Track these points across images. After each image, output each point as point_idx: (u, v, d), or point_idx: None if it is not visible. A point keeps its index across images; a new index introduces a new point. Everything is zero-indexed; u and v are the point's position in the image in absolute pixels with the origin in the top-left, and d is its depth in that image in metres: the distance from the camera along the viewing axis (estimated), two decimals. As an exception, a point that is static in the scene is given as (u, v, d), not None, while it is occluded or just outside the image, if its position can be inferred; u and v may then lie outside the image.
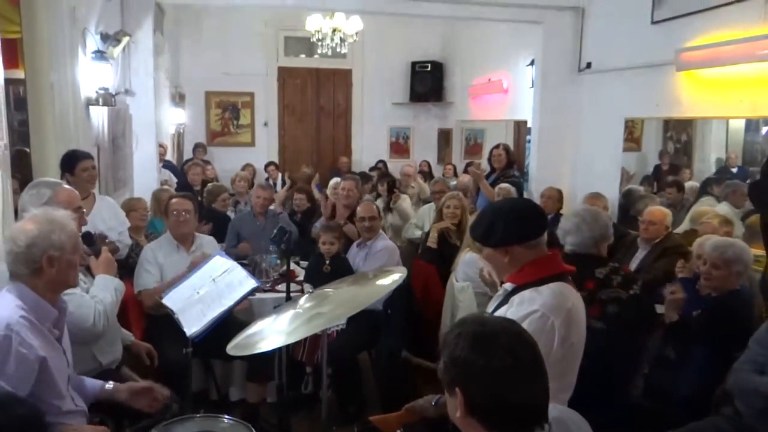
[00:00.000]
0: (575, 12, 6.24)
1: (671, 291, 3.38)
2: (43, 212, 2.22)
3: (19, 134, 4.34)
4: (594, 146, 6.24)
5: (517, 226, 2.18)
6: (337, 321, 2.58)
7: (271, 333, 2.20)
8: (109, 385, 2.49)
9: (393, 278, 2.30)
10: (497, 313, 2.14)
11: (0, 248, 2.64)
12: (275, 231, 2.86)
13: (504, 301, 2.21)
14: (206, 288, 2.85)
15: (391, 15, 7.69)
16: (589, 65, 6.16)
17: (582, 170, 6.41)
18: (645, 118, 5.88)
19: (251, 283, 2.75)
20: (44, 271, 2.13)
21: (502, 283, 2.32)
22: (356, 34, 7.87)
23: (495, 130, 9.02)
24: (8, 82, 4.23)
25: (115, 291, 2.76)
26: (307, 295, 2.28)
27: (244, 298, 2.76)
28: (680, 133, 6.87)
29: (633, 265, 4.62)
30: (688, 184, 6.09)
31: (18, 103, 4.40)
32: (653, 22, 5.25)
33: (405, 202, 6.49)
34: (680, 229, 5.04)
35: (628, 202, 5.90)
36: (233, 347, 2.21)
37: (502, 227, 2.17)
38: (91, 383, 2.49)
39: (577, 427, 1.55)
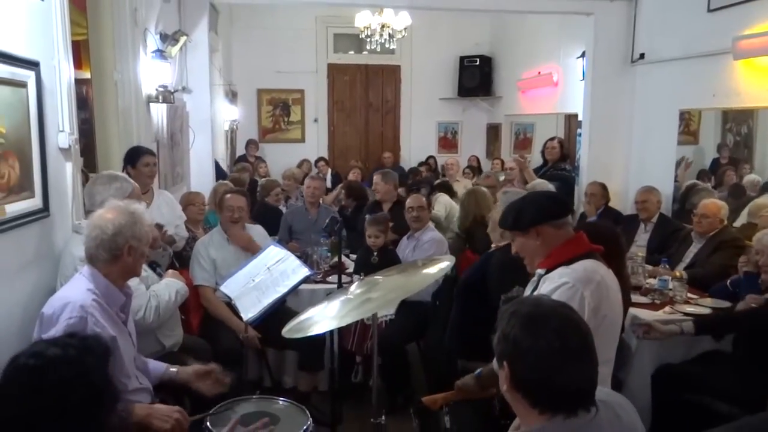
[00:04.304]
0: (628, 2, 6.14)
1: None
2: (125, 204, 2.40)
3: (82, 132, 4.56)
4: (648, 139, 6.13)
5: (545, 205, 2.32)
6: (388, 306, 2.64)
7: (324, 318, 2.28)
8: (174, 368, 2.64)
9: (440, 266, 2.35)
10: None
11: (67, 234, 2.85)
12: (327, 221, 2.95)
13: (538, 285, 2.30)
14: (261, 276, 2.97)
15: (439, 10, 7.70)
16: (642, 56, 6.05)
17: (635, 164, 6.31)
18: (701, 110, 5.73)
19: (304, 271, 2.85)
20: (122, 259, 2.31)
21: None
22: (405, 29, 7.91)
23: (545, 124, 8.94)
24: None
25: (176, 293, 2.93)
26: (357, 282, 2.35)
27: (298, 285, 2.86)
28: (740, 125, 6.63)
29: (687, 259, 4.54)
30: (748, 177, 5.91)
31: (80, 103, 4.62)
32: (710, 10, 5.12)
33: (438, 203, 6.36)
34: (737, 223, 4.92)
35: (686, 196, 5.78)
36: (288, 330, 2.30)
37: (532, 209, 2.30)
38: (155, 365, 2.64)
39: (624, 412, 1.56)
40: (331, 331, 3.47)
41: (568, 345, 1.40)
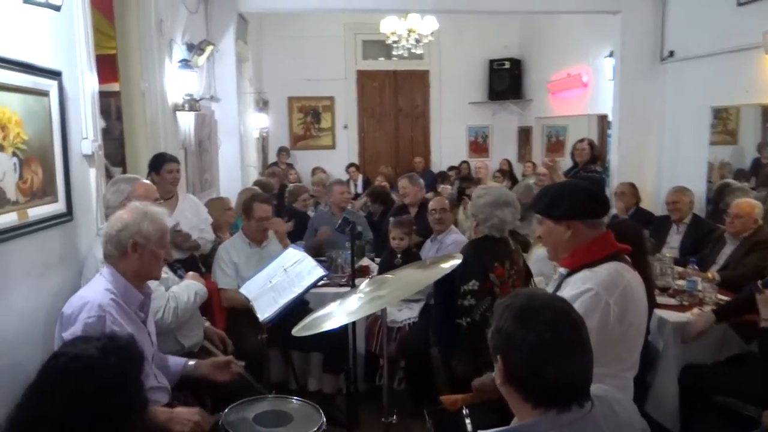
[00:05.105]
0: (656, -1, 6.08)
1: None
2: (142, 206, 2.47)
3: (119, 142, 4.70)
4: (679, 138, 6.04)
5: (584, 201, 2.18)
6: (396, 301, 2.66)
7: (335, 315, 2.32)
8: (192, 361, 2.70)
9: (452, 263, 2.36)
10: None
11: (91, 238, 2.94)
12: (339, 221, 2.99)
13: (561, 285, 2.21)
14: (278, 277, 3.02)
15: (462, 13, 7.69)
16: (671, 53, 5.97)
17: (666, 164, 6.21)
18: (734, 107, 5.61)
19: (319, 272, 2.90)
20: (128, 256, 2.36)
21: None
22: (431, 34, 7.92)
23: (577, 126, 8.85)
24: (110, 94, 4.64)
25: (195, 294, 2.98)
26: (367, 281, 2.38)
27: (313, 286, 2.91)
28: (783, 123, 6.43)
29: (721, 260, 4.43)
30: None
31: (117, 113, 4.75)
32: (739, 4, 5.04)
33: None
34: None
35: (720, 196, 5.65)
36: (300, 329, 2.34)
37: (569, 201, 2.16)
38: (175, 361, 2.71)
39: (622, 407, 1.53)
40: (352, 332, 3.54)
41: (561, 337, 1.38)
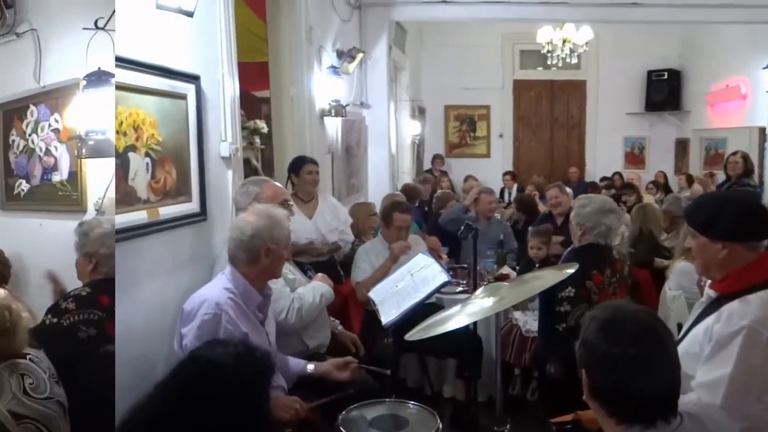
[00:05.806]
0: (819, 7, 5.12)
1: None
2: (265, 209, 2.37)
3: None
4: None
5: (746, 222, 1.88)
6: (508, 305, 2.44)
7: (450, 319, 2.20)
8: (311, 365, 2.59)
9: (568, 271, 2.25)
10: (702, 323, 1.89)
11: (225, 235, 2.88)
12: (462, 228, 2.73)
13: (709, 309, 1.92)
14: (404, 282, 2.86)
15: (615, 23, 7.23)
16: (834, 64, 4.95)
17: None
18: None
19: (443, 277, 2.72)
20: (260, 261, 2.27)
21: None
22: (587, 44, 7.53)
23: (737, 139, 7.85)
24: (266, 100, 4.72)
25: (321, 296, 2.84)
26: (482, 288, 2.29)
27: (435, 291, 2.74)
28: None
29: None
30: None
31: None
32: None
33: None
34: None
35: None
36: (413, 333, 2.20)
37: (730, 219, 1.88)
38: (295, 363, 2.60)
39: (716, 425, 1.40)
40: (478, 338, 3.58)
41: (645, 352, 1.30)
